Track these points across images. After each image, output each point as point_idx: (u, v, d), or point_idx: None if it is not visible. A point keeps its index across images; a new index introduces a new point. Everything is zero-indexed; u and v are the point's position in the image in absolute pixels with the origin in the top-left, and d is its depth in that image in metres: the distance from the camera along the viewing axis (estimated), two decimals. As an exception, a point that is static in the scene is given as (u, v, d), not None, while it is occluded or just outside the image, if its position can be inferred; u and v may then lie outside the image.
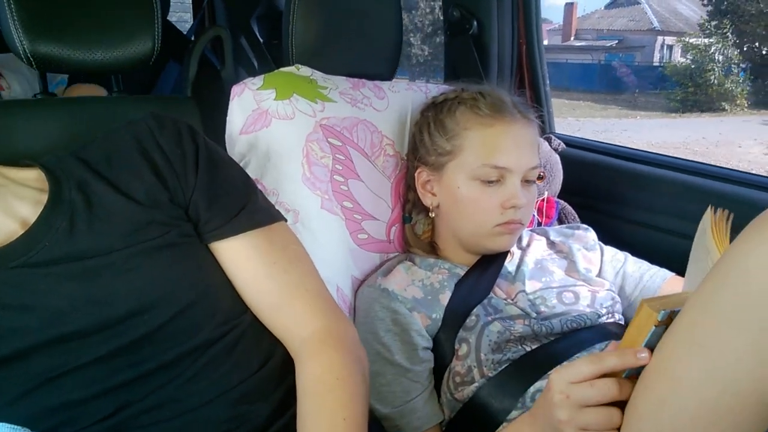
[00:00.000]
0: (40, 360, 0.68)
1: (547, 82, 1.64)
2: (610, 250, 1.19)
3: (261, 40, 2.28)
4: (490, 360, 0.95)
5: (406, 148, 1.21)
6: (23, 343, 0.68)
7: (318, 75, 1.20)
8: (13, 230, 0.70)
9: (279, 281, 0.80)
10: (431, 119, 1.11)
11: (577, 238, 1.19)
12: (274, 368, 0.79)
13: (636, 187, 1.41)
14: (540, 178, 1.36)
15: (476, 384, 0.95)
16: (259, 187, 1.08)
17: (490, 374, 0.94)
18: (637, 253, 1.18)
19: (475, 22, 1.57)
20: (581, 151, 1.55)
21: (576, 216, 1.40)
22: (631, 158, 1.46)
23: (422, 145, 1.12)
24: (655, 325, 0.61)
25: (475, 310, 1.00)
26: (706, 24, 11.13)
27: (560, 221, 1.38)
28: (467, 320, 0.99)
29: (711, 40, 10.85)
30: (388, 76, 1.34)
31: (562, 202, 1.41)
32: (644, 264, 1.15)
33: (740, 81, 10.88)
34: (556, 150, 1.45)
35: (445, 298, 1.02)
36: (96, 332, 0.70)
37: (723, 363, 0.54)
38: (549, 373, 0.92)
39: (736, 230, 0.64)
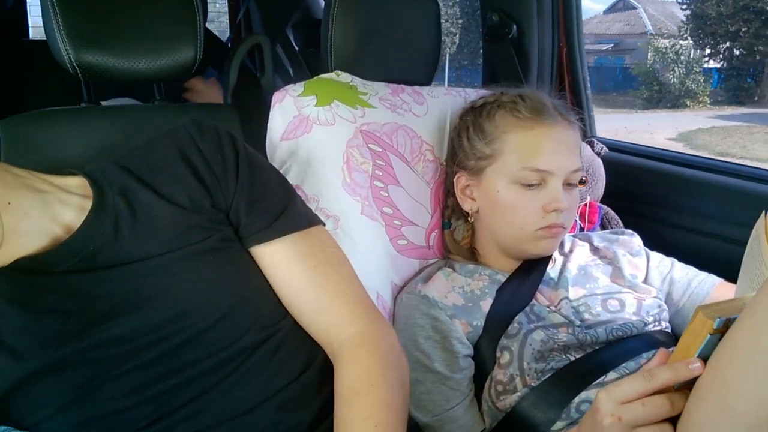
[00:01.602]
0: (83, 368, 0.69)
1: (588, 85, 1.62)
2: (656, 256, 1.16)
3: (296, 48, 2.30)
4: (533, 369, 0.93)
5: (446, 153, 1.20)
6: (66, 350, 0.69)
7: (358, 81, 1.20)
8: (58, 236, 0.71)
9: (318, 285, 0.80)
10: (470, 123, 1.10)
11: (622, 243, 1.17)
12: (315, 373, 0.79)
13: (682, 191, 1.38)
14: (582, 182, 1.33)
15: (519, 393, 0.93)
16: (300, 193, 1.08)
17: (533, 383, 0.93)
18: (683, 258, 1.15)
19: (514, 26, 1.55)
20: (624, 155, 1.53)
21: (619, 221, 1.37)
22: (676, 162, 1.43)
23: (461, 149, 1.11)
24: (710, 333, 0.59)
25: (517, 317, 0.99)
26: (662, 28, 11.74)
27: (603, 226, 1.36)
28: (509, 328, 0.98)
29: (671, 42, 11.40)
30: (426, 81, 1.34)
31: (605, 207, 1.38)
32: (692, 270, 1.12)
33: (701, 80, 11.53)
34: (598, 154, 1.42)
35: (486, 304, 1.01)
36: (137, 338, 0.70)
37: None
38: (594, 382, 0.90)
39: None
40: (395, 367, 0.78)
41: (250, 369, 0.74)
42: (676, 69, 11.19)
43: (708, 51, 11.77)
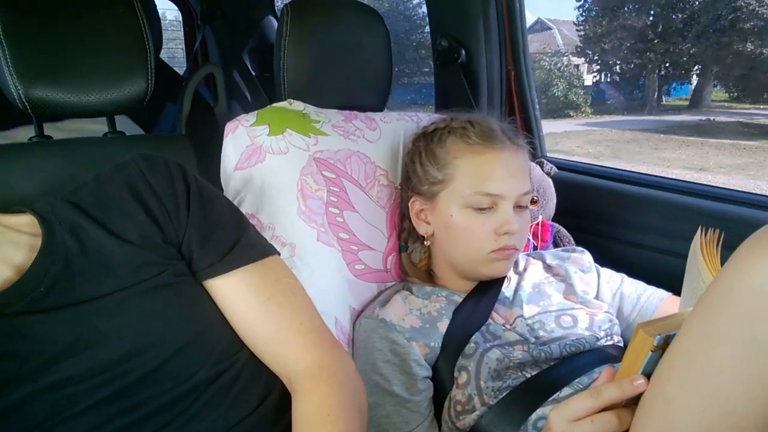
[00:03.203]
0: (36, 410, 0.67)
1: (537, 107, 1.66)
2: (606, 272, 1.19)
3: (253, 74, 2.31)
4: (490, 387, 0.95)
5: (400, 178, 1.22)
6: (20, 393, 0.67)
7: (311, 109, 1.21)
8: (8, 277, 0.70)
9: (273, 316, 0.80)
10: (422, 149, 1.13)
11: (573, 260, 1.20)
12: (273, 405, 0.79)
13: (629, 208, 1.42)
14: (534, 202, 1.37)
15: (477, 412, 0.94)
16: (255, 222, 1.08)
17: (491, 402, 0.94)
18: (632, 273, 1.19)
19: (463, 51, 1.59)
20: (573, 174, 1.57)
21: (571, 239, 1.40)
22: (622, 180, 1.47)
23: (414, 174, 1.13)
24: (652, 350, 0.61)
25: (473, 337, 1.00)
26: (574, 46, 13.20)
27: (555, 244, 1.39)
28: (466, 347, 0.99)
29: (554, 60, 13.03)
30: (379, 107, 1.36)
31: (556, 225, 1.42)
32: (641, 285, 1.16)
33: (582, 93, 12.99)
34: (548, 174, 1.46)
35: (444, 325, 1.02)
36: (92, 377, 0.69)
37: (721, 386, 0.54)
38: (550, 398, 0.92)
39: (728, 247, 0.64)
40: (352, 395, 0.78)
41: (207, 403, 0.73)
42: (559, 84, 12.39)
43: (596, 67, 13.19)
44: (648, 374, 0.62)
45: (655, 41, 10.92)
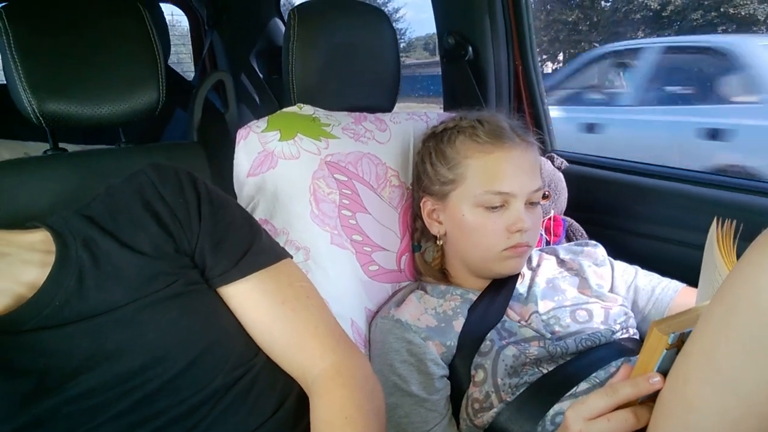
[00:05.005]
0: (58, 424, 0.68)
1: (546, 101, 1.65)
2: (620, 265, 1.19)
3: (261, 76, 2.31)
4: (507, 384, 0.95)
5: (411, 178, 1.22)
6: (41, 407, 0.68)
7: (320, 113, 1.22)
8: (22, 295, 0.70)
9: (288, 321, 0.80)
10: (432, 149, 1.13)
11: (587, 254, 1.20)
12: (291, 408, 0.79)
13: (641, 200, 1.41)
14: (545, 197, 1.37)
15: (495, 409, 0.95)
16: (269, 227, 1.09)
17: (508, 399, 0.95)
18: (646, 266, 1.18)
19: (470, 48, 1.59)
20: (584, 167, 1.56)
21: (584, 232, 1.40)
22: (634, 171, 1.46)
23: (425, 175, 1.13)
24: (667, 349, 0.60)
25: (489, 334, 1.01)
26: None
27: (568, 239, 1.39)
28: (482, 345, 1.00)
29: None
30: (389, 107, 1.36)
31: (569, 219, 1.41)
32: (655, 277, 1.15)
33: None
34: (559, 168, 1.45)
35: (459, 324, 1.03)
36: (110, 389, 0.70)
37: (742, 387, 0.52)
38: (567, 394, 0.92)
39: (745, 239, 0.63)
40: (370, 397, 0.78)
41: (225, 410, 0.74)
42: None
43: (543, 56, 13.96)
44: (664, 372, 0.61)
45: (590, 32, 11.78)
